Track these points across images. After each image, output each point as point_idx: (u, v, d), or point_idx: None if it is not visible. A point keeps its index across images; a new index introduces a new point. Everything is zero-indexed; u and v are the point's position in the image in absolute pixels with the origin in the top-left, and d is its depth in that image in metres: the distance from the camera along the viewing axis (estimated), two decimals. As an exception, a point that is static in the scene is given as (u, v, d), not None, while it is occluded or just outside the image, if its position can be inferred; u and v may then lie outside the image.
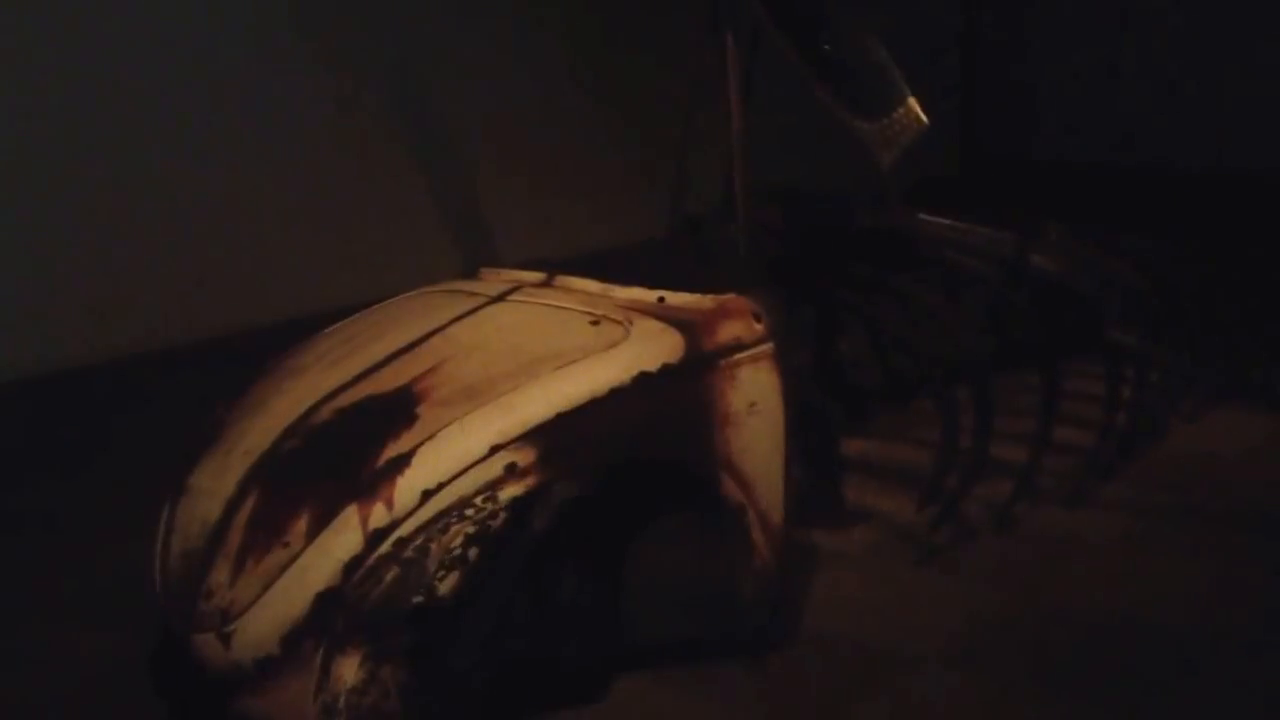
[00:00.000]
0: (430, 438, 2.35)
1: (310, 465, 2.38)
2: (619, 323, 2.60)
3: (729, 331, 2.63)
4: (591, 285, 2.80)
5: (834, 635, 2.93)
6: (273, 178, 5.41)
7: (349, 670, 2.29)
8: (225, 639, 2.29)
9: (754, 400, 2.63)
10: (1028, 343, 3.32)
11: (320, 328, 2.89)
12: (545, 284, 2.85)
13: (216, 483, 2.43)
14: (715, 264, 3.15)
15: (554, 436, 2.39)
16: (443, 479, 2.32)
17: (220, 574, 2.32)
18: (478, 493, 2.34)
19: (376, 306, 2.92)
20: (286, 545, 2.29)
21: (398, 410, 2.42)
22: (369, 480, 2.31)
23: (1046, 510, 3.52)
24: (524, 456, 2.37)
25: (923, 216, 3.43)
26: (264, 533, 2.32)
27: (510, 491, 2.36)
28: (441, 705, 2.37)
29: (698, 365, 2.57)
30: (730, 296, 2.70)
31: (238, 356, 3.05)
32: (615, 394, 2.46)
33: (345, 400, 2.47)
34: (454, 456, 2.34)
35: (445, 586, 2.30)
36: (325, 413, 2.45)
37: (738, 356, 2.62)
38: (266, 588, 2.28)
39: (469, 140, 6.20)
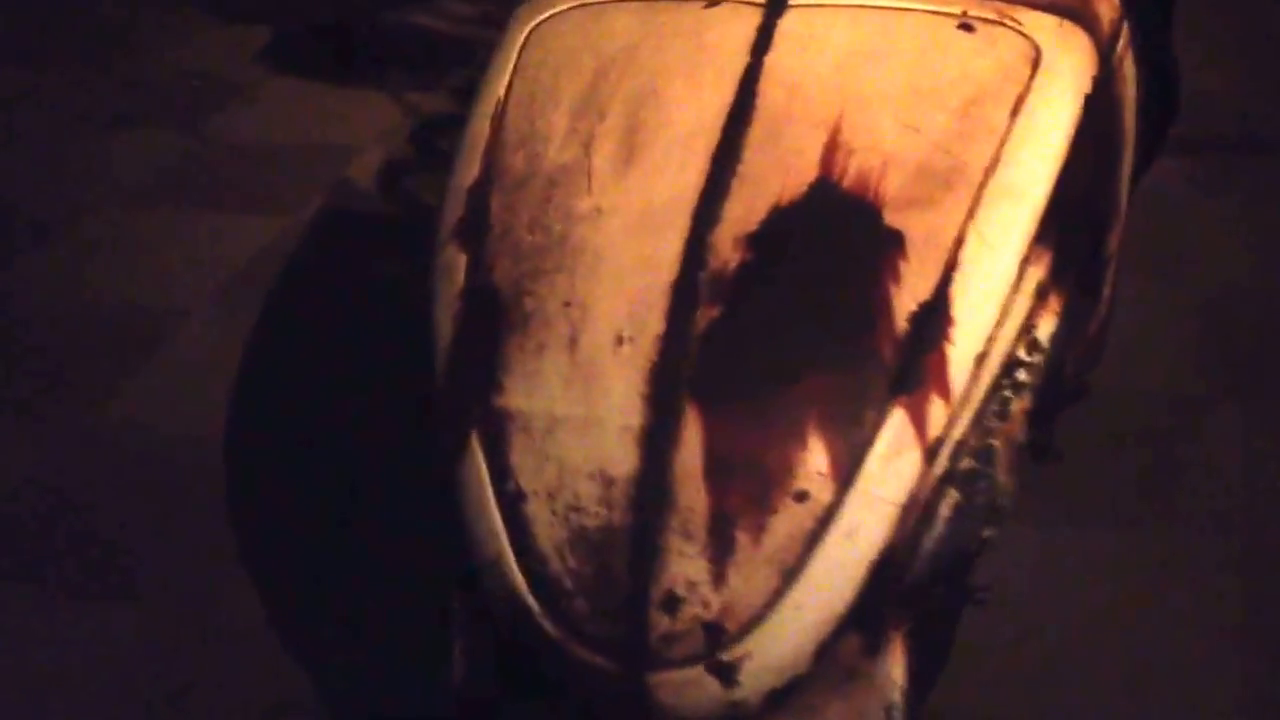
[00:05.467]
0: (953, 266, 1.40)
1: (774, 348, 1.37)
2: (998, 23, 1.68)
3: (1102, 11, 1.78)
4: None
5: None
6: None
7: (897, 664, 1.40)
8: (726, 671, 1.33)
9: (1134, 97, 1.83)
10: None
11: None
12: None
13: (588, 402, 1.37)
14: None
15: (1056, 222, 1.53)
16: (988, 331, 1.41)
17: (686, 565, 1.32)
18: (1018, 340, 1.46)
19: (510, 40, 1.75)
20: (803, 498, 1.32)
21: (852, 223, 1.44)
22: (900, 357, 1.35)
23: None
24: (1043, 266, 1.51)
25: None
26: (750, 482, 1.33)
27: (1046, 327, 1.50)
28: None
29: (1109, 71, 1.73)
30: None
31: None
32: (1078, 138, 1.60)
33: (740, 219, 1.44)
34: (989, 290, 1.43)
35: (1009, 500, 1.43)
36: (725, 248, 1.42)
37: (1119, 47, 1.79)
38: (788, 574, 1.32)
39: None
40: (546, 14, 1.76)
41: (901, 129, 1.53)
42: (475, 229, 1.52)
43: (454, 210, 1.54)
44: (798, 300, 1.41)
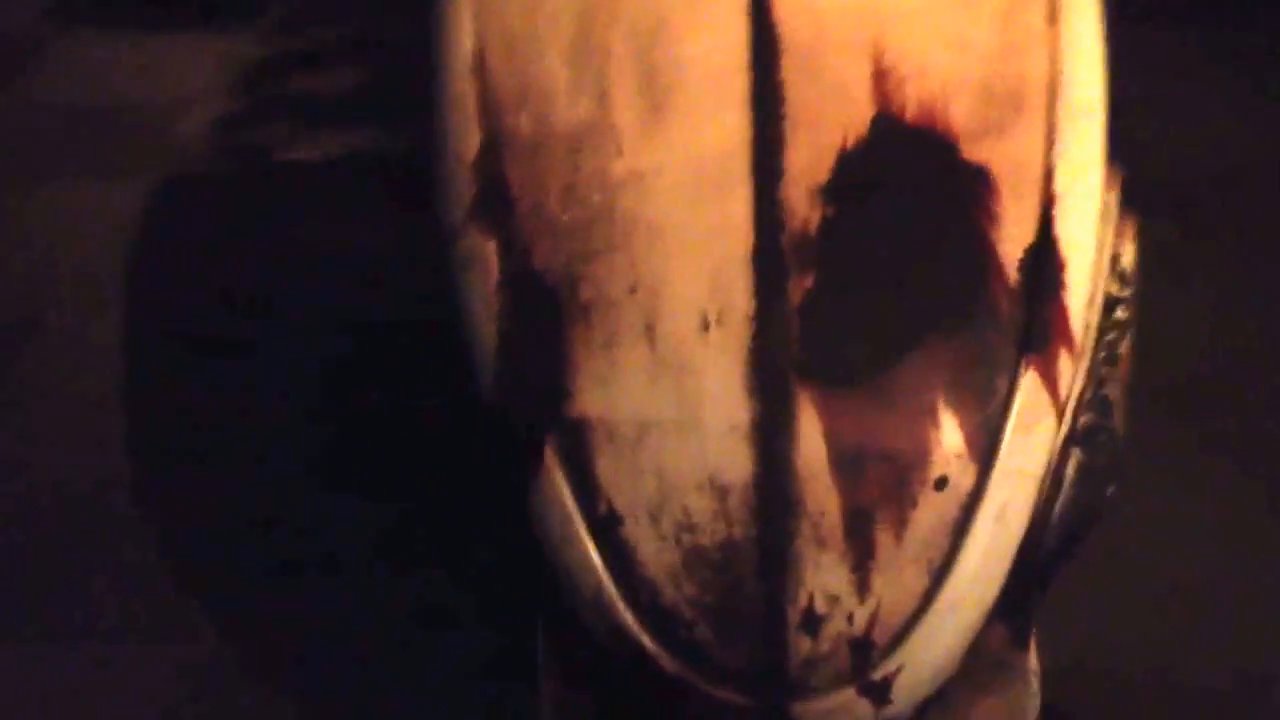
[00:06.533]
0: (1051, 201, 1.27)
1: (882, 315, 1.22)
2: None
3: None
4: None
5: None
6: None
7: (1032, 654, 1.29)
8: (878, 690, 1.19)
9: None
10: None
11: None
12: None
13: (681, 400, 1.20)
14: None
15: (1116, 133, 1.39)
16: (1093, 269, 1.29)
17: (824, 576, 1.16)
18: (1111, 274, 1.34)
19: None
20: (944, 484, 1.17)
21: (929, 162, 1.29)
22: (1019, 311, 1.22)
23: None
24: (1116, 187, 1.39)
25: None
26: (883, 473, 1.18)
27: (1129, 255, 1.39)
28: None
29: None
30: None
31: None
32: (1105, 36, 1.45)
33: (806, 170, 1.27)
34: (1087, 224, 1.31)
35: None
36: (800, 205, 1.25)
37: None
38: (937, 572, 1.18)
39: None
40: None
41: (946, 47, 1.37)
42: (497, 208, 1.30)
43: (462, 188, 1.32)
44: (895, 258, 1.25)
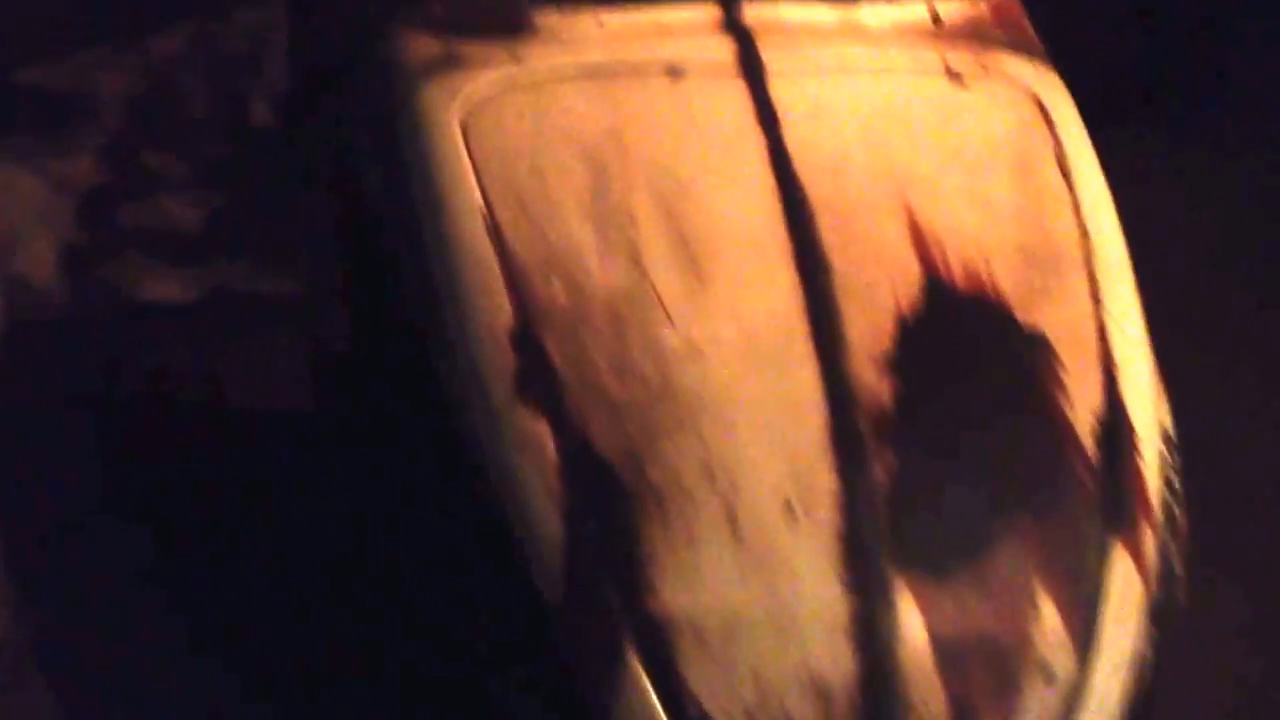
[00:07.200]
0: (1111, 366, 1.26)
1: (970, 496, 1.17)
2: (980, 69, 1.53)
3: (1031, 32, 1.59)
4: (820, 11, 1.57)
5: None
6: None
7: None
8: None
9: None
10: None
11: None
12: (736, 20, 1.53)
13: (774, 594, 1.13)
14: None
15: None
16: (1155, 430, 1.27)
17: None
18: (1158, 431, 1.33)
19: (442, 135, 1.42)
20: (1047, 675, 1.13)
21: (988, 330, 1.27)
22: (1101, 485, 1.20)
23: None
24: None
25: None
26: (988, 664, 1.13)
27: (1166, 414, 1.37)
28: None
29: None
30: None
31: None
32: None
33: (868, 340, 1.23)
34: (1145, 388, 1.31)
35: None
36: (870, 379, 1.21)
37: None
38: None
39: None
40: (470, 100, 1.44)
41: (970, 206, 1.36)
42: (543, 384, 1.20)
43: (500, 363, 1.21)
44: (974, 434, 1.20)
